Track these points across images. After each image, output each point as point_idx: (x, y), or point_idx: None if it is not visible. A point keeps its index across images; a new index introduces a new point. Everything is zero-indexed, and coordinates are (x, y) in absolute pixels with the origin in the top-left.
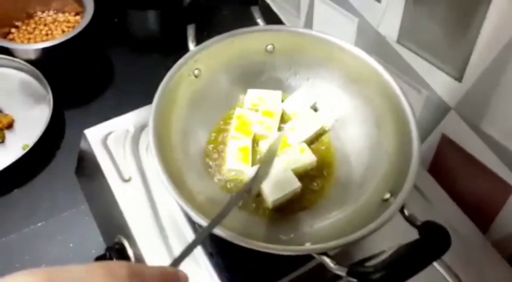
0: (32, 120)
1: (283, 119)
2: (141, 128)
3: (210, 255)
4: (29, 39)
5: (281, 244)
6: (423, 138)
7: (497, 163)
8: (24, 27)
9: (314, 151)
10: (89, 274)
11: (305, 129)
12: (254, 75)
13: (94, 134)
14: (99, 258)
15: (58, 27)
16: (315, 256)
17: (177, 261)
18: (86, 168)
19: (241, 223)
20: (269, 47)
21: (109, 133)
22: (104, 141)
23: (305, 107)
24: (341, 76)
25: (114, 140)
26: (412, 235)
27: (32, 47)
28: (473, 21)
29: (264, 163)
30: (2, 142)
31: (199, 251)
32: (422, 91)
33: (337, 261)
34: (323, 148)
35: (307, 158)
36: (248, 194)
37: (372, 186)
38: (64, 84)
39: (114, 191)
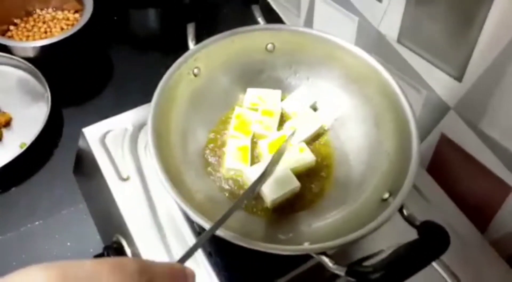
0: (30, 119)
1: (283, 118)
2: (140, 127)
3: (209, 255)
4: (27, 36)
5: (279, 243)
6: (422, 138)
7: (496, 163)
8: (22, 25)
9: (314, 151)
10: (100, 268)
11: (305, 128)
12: (253, 74)
13: (92, 133)
14: (97, 257)
15: (57, 24)
16: (314, 255)
17: (182, 260)
18: (84, 166)
19: (240, 222)
20: (269, 46)
21: (107, 132)
22: (103, 140)
23: (305, 107)
24: (341, 76)
25: (113, 139)
26: (411, 234)
27: (31, 45)
28: (474, 21)
29: (270, 164)
30: (0, 140)
31: (198, 251)
32: (421, 91)
33: (335, 261)
34: (322, 147)
35: (306, 157)
36: (252, 195)
37: (371, 185)
38: (63, 83)
39: (112, 189)
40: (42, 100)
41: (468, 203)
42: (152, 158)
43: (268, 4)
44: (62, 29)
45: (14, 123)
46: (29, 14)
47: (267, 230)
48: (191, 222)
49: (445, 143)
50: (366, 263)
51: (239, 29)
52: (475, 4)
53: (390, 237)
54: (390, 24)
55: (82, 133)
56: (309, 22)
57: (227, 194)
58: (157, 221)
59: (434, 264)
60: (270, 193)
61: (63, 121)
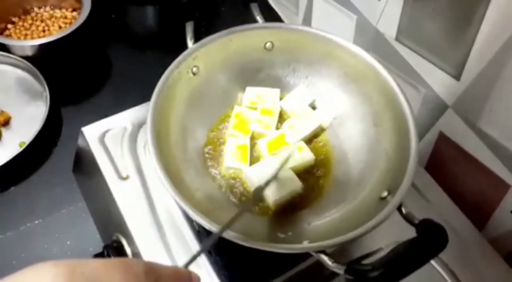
0: (28, 118)
1: (282, 117)
2: (139, 126)
3: (209, 253)
4: (25, 35)
5: (279, 242)
6: (420, 136)
7: (494, 161)
8: (20, 23)
9: (312, 149)
10: (107, 268)
11: (304, 127)
12: (252, 73)
13: (91, 132)
14: (96, 256)
15: (55, 23)
16: (313, 254)
17: (187, 265)
18: (84, 165)
19: (239, 221)
20: (268, 44)
21: (106, 131)
22: (102, 139)
23: (304, 105)
24: (340, 74)
25: (112, 138)
26: (410, 232)
27: (29, 43)
28: (472, 20)
29: (278, 169)
30: None
31: (197, 249)
32: (420, 89)
33: (334, 259)
34: (321, 146)
35: (305, 156)
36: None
37: (370, 184)
38: (61, 81)
39: (112, 188)
40: (41, 99)
41: (467, 201)
42: (151, 157)
43: (267, 2)
44: (60, 27)
45: (13, 122)
46: (27, 12)
47: (267, 228)
48: (190, 221)
49: (443, 141)
50: (365, 261)
51: (238, 28)
52: (473, 2)
53: (389, 235)
54: (388, 22)
55: (82, 133)
56: (307, 20)
57: (226, 193)
58: (157, 220)
59: (432, 262)
60: (272, 193)
61: (62, 120)
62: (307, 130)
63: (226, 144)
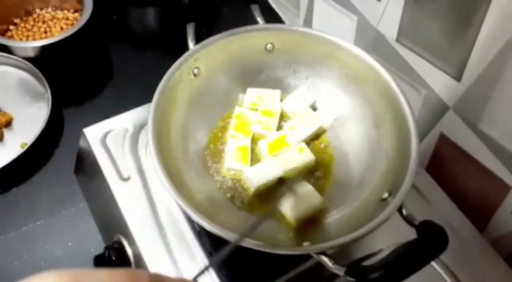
0: (30, 119)
1: (282, 118)
2: (140, 127)
3: (209, 254)
4: (27, 36)
5: (279, 243)
6: (421, 137)
7: (495, 162)
8: (22, 25)
9: (313, 150)
10: (112, 279)
11: (304, 128)
12: (253, 74)
13: (93, 133)
14: (98, 257)
15: (57, 24)
16: (314, 255)
17: (196, 277)
18: (85, 166)
19: (239, 222)
20: (269, 46)
21: (108, 132)
22: (103, 140)
23: (304, 107)
24: (340, 75)
25: (113, 139)
26: (410, 233)
27: (31, 44)
28: (473, 21)
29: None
30: (1, 140)
31: (198, 250)
32: (420, 90)
33: (335, 260)
34: (322, 147)
35: (306, 157)
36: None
37: (370, 185)
38: (63, 82)
39: (113, 190)
40: (43, 100)
41: (467, 202)
42: (152, 158)
43: (268, 4)
44: (62, 28)
45: (15, 123)
46: (28, 13)
47: (267, 230)
48: (191, 222)
49: (444, 142)
50: (365, 263)
51: (239, 29)
52: (474, 3)
53: (389, 236)
54: (389, 24)
55: (83, 134)
56: (308, 21)
57: (227, 194)
58: (158, 221)
59: (433, 263)
60: (292, 210)
61: (64, 121)
62: (308, 132)
63: (227, 145)
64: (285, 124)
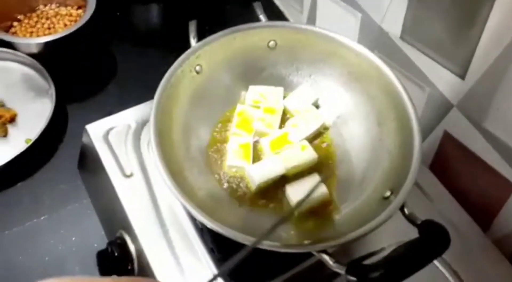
0: (34, 115)
1: (285, 116)
2: (143, 123)
3: (211, 251)
4: (31, 33)
5: (281, 241)
6: (425, 135)
7: (499, 161)
8: (26, 21)
9: (315, 148)
10: None
11: (307, 126)
12: (255, 72)
13: (95, 130)
14: (101, 253)
15: (60, 21)
16: (315, 253)
17: None
18: (88, 162)
19: (241, 219)
20: (271, 43)
21: (110, 129)
22: (106, 136)
23: (307, 104)
24: (343, 73)
25: (116, 135)
26: (412, 232)
27: (35, 41)
28: (477, 18)
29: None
30: (5, 136)
31: (200, 247)
32: (424, 88)
33: (336, 259)
34: (324, 145)
35: (308, 155)
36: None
37: (372, 183)
38: (67, 79)
39: (116, 186)
40: (46, 96)
41: (471, 201)
42: (154, 156)
43: (271, 0)
44: (65, 25)
45: (19, 119)
46: (32, 10)
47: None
48: (193, 218)
49: (448, 140)
50: (366, 262)
51: (241, 27)
52: (478, 0)
53: (391, 234)
54: (392, 21)
55: (86, 130)
56: (312, 19)
57: (229, 191)
58: (160, 217)
59: (436, 262)
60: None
61: (68, 117)
62: (310, 129)
63: (229, 142)
64: (288, 122)
